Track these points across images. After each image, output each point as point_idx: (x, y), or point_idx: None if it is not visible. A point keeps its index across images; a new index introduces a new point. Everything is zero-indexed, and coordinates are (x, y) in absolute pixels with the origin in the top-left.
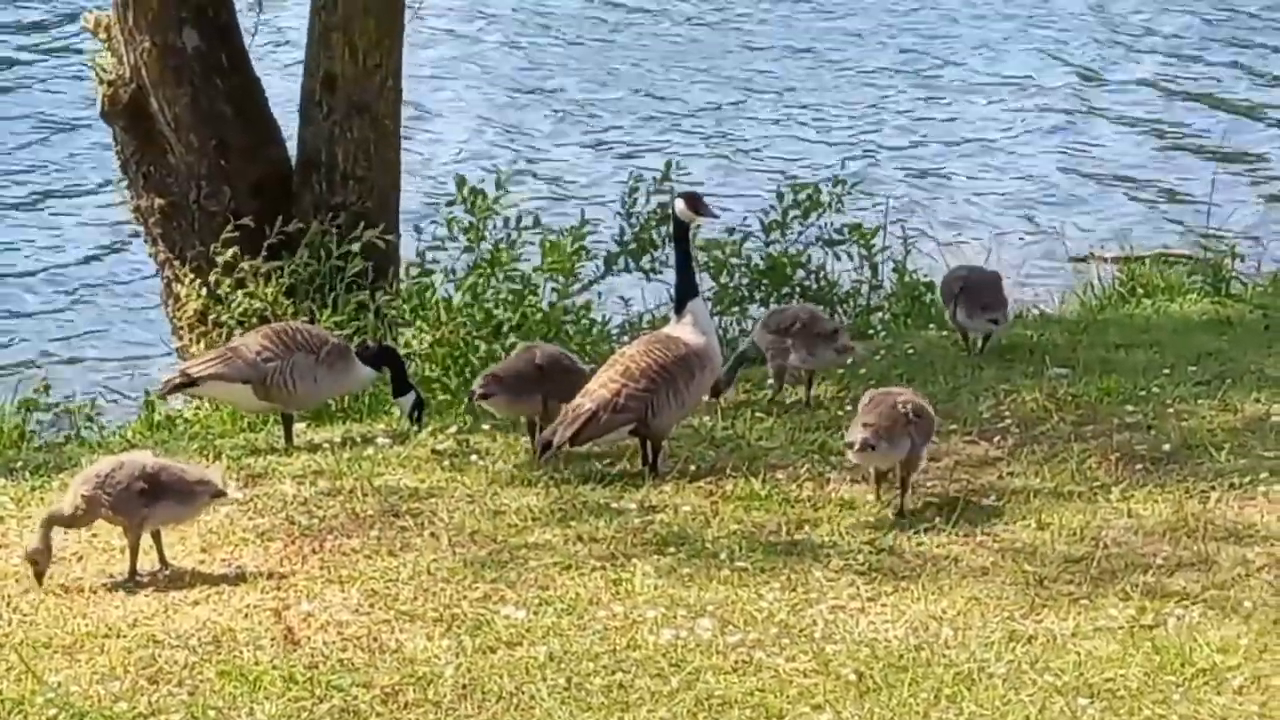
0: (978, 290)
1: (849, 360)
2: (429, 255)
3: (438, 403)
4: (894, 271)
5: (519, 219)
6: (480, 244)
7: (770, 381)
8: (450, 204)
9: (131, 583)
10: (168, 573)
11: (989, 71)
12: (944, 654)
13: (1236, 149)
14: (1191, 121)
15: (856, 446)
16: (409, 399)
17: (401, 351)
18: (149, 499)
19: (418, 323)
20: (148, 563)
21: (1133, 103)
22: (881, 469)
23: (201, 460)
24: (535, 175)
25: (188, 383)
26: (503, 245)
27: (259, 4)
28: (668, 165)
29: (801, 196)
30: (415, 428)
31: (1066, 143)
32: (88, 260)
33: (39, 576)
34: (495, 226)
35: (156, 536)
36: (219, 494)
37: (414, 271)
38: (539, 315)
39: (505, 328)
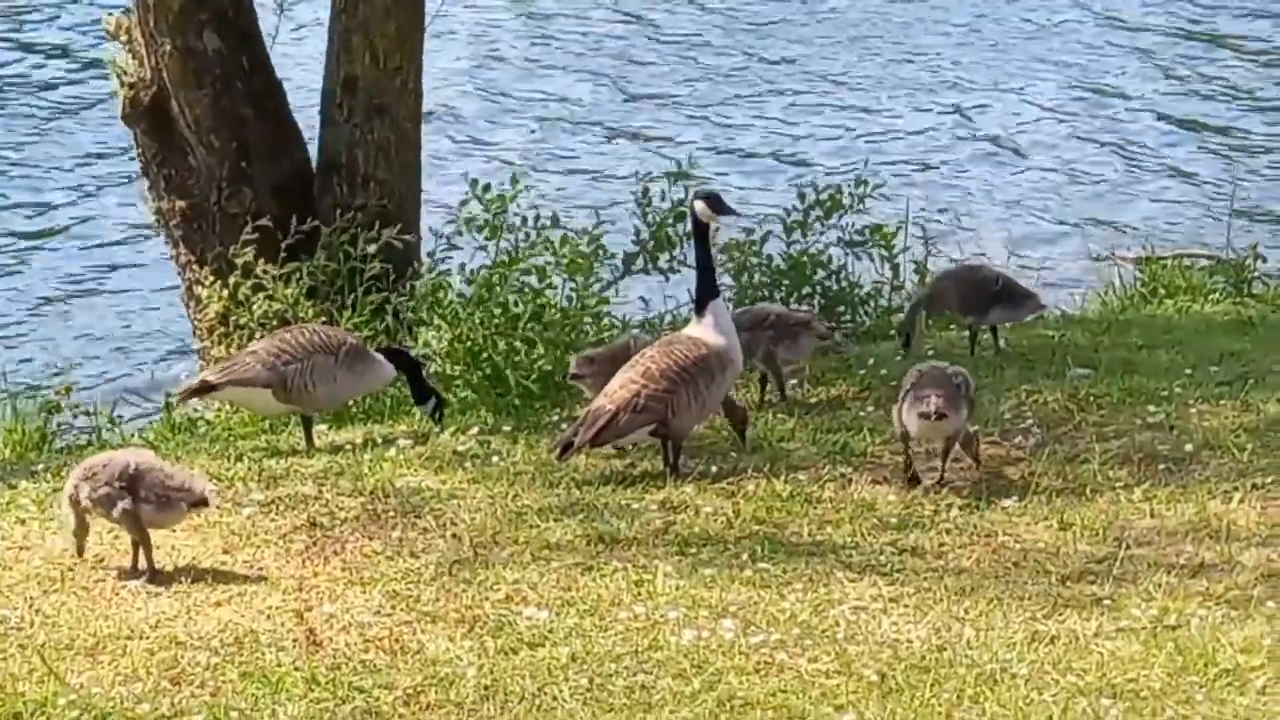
0: (1012, 284)
1: (831, 346)
2: (445, 255)
3: (458, 401)
4: (915, 272)
5: (536, 217)
6: (497, 242)
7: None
8: (463, 204)
9: (148, 575)
10: (139, 581)
11: (1010, 70)
12: (966, 654)
13: (1260, 148)
14: (1214, 121)
15: (933, 415)
16: (430, 404)
17: (420, 351)
18: (130, 499)
19: (435, 320)
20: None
21: (1154, 103)
22: (946, 437)
23: (224, 462)
24: (551, 176)
25: (206, 389)
26: (521, 244)
27: (280, 7)
28: (679, 165)
29: (823, 197)
30: (437, 427)
31: (1087, 143)
32: (109, 263)
33: (79, 551)
34: (512, 226)
35: (137, 542)
36: (200, 502)
37: (428, 271)
38: (556, 312)
39: (522, 323)
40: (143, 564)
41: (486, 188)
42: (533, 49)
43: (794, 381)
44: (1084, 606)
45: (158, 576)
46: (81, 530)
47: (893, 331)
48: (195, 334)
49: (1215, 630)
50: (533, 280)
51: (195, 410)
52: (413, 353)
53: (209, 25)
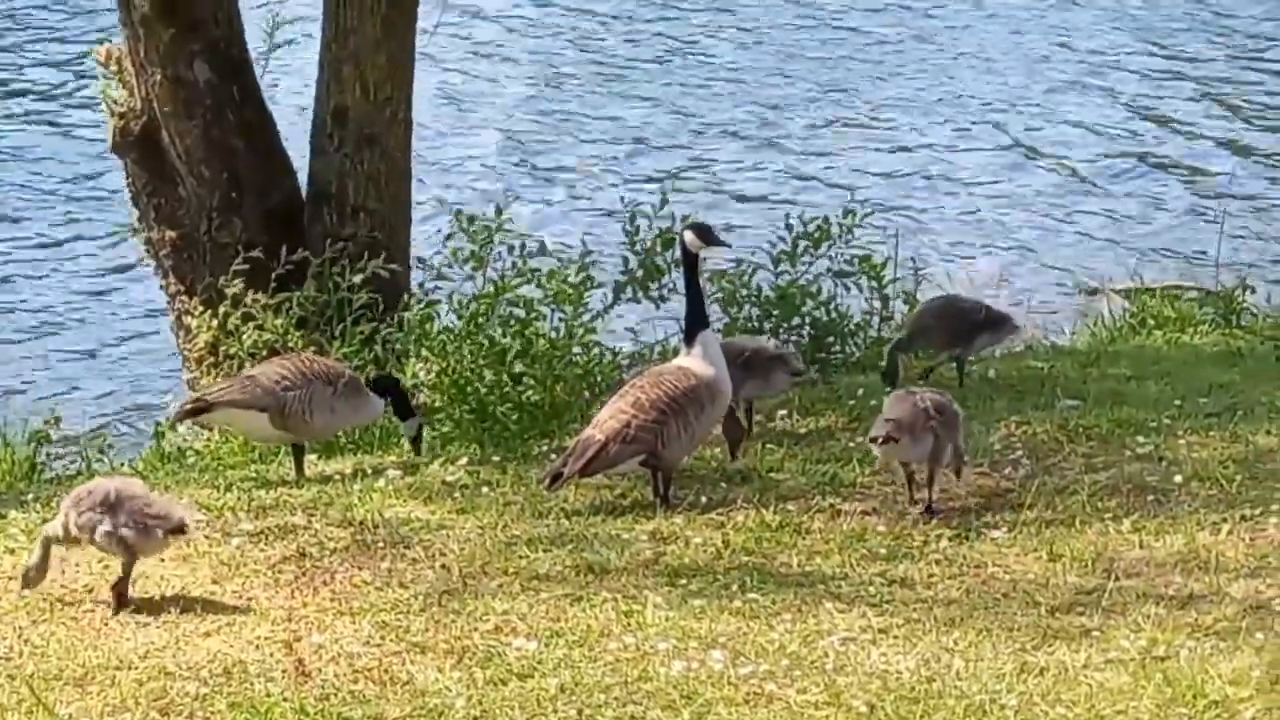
0: (990, 310)
1: (807, 381)
2: (434, 286)
3: (443, 434)
4: (905, 304)
5: (523, 246)
6: (484, 272)
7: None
8: (449, 237)
9: (118, 605)
10: (126, 607)
11: (999, 101)
12: (955, 686)
13: (1248, 178)
14: (1202, 152)
15: (880, 441)
16: (413, 423)
17: (408, 383)
18: (110, 524)
19: (422, 353)
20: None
21: (1143, 134)
22: (904, 463)
23: (213, 492)
24: (547, 204)
25: (203, 408)
26: (507, 273)
27: (271, 37)
28: (664, 193)
29: (811, 228)
30: (414, 453)
31: (1077, 174)
32: (99, 292)
33: (26, 586)
34: (499, 255)
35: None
36: (178, 529)
37: (415, 303)
38: (544, 342)
39: (509, 356)
40: (128, 588)
41: (471, 219)
42: (519, 78)
43: (783, 412)
44: (1073, 638)
45: (123, 601)
46: (40, 571)
47: (881, 364)
48: (184, 364)
49: (1204, 662)
50: (520, 312)
51: (184, 440)
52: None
53: (200, 55)
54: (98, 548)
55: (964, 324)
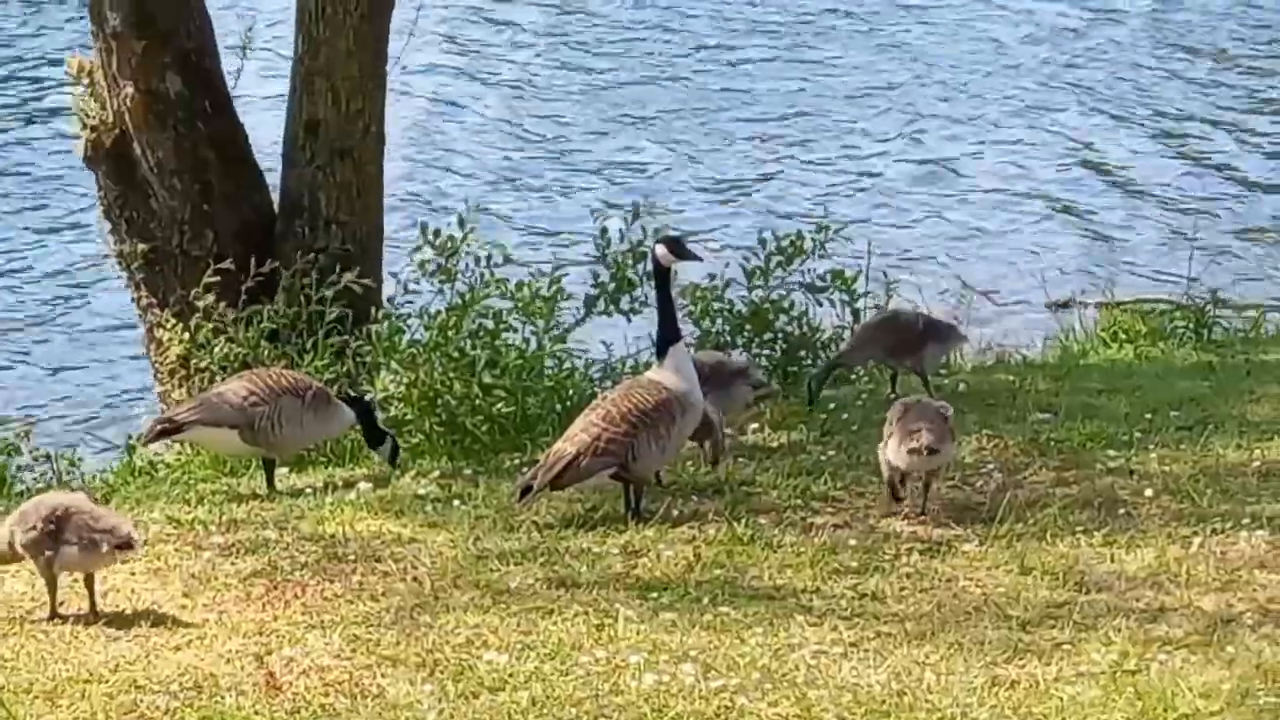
0: (932, 321)
1: (766, 394)
2: (405, 300)
3: (414, 447)
4: None
5: (489, 257)
6: (453, 284)
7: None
8: (417, 249)
9: (50, 622)
10: (96, 619)
11: (971, 117)
12: (926, 700)
13: (1219, 194)
14: (1174, 167)
15: (925, 451)
16: (386, 446)
17: (377, 396)
18: (54, 541)
19: (392, 364)
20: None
21: (1115, 150)
22: (933, 470)
23: (184, 505)
24: (511, 215)
25: (173, 429)
26: (476, 285)
27: (243, 50)
28: (635, 207)
29: (784, 243)
30: (395, 470)
31: (1047, 189)
32: (70, 305)
33: None
34: (467, 267)
35: (88, 581)
36: (125, 545)
37: (384, 315)
38: (514, 354)
39: (478, 366)
40: (97, 604)
41: (437, 232)
42: (495, 86)
43: (755, 425)
44: (1044, 651)
45: (54, 618)
46: None
47: (804, 382)
48: (156, 377)
49: (1175, 675)
50: (489, 323)
51: (156, 453)
52: (366, 396)
53: (171, 68)
54: (38, 567)
55: (906, 335)
